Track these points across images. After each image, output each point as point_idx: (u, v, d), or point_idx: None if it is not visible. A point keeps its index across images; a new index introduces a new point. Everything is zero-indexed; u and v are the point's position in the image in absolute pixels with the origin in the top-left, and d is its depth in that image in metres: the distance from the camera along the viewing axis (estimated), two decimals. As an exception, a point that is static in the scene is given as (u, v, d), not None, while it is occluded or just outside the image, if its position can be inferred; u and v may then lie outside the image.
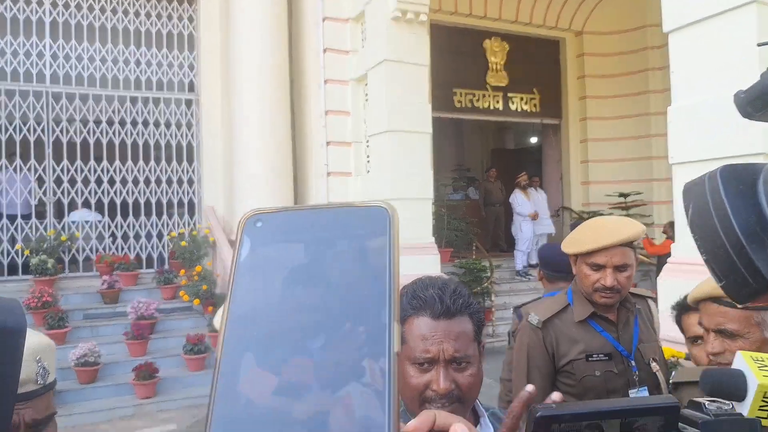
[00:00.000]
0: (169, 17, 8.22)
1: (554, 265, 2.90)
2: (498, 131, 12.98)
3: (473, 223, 9.29)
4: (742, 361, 0.82)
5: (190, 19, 8.34)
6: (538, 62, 10.22)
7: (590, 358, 1.98)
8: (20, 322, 0.57)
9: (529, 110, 10.28)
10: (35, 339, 0.98)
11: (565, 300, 2.12)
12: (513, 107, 10.14)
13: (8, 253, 7.15)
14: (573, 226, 2.81)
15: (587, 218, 9.36)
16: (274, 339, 0.29)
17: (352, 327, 0.28)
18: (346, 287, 0.30)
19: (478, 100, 9.85)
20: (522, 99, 10.20)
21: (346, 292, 0.29)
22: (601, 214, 9.53)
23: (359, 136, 7.73)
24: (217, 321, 1.65)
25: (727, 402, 0.68)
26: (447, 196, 9.69)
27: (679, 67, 3.72)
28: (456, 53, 9.53)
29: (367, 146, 7.51)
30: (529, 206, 9.55)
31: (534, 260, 9.01)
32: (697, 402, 0.66)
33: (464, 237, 8.80)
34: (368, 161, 7.51)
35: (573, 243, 2.06)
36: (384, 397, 0.27)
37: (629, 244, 1.95)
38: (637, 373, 1.97)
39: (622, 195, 9.43)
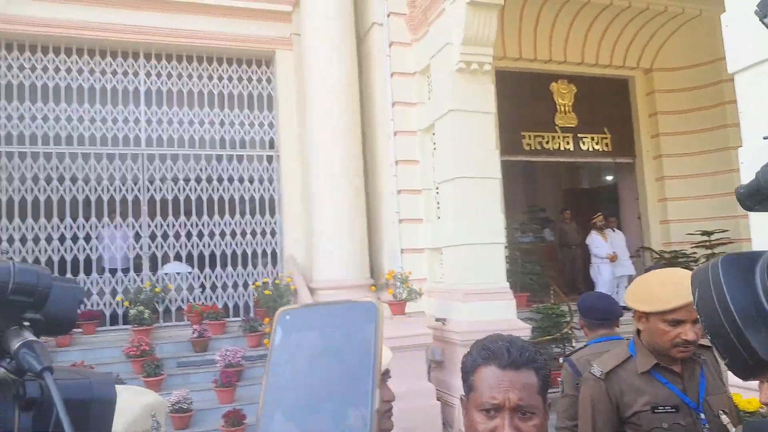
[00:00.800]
0: (249, 79, 8.83)
1: (594, 313, 3.03)
2: (571, 171, 12.86)
3: (549, 266, 9.18)
4: None
5: (268, 81, 8.92)
6: (607, 102, 10.17)
7: (656, 410, 1.97)
8: (112, 393, 0.70)
9: (600, 150, 10.18)
10: (151, 397, 1.19)
11: (626, 352, 2.12)
12: (584, 147, 10.08)
13: (110, 304, 7.74)
14: (650, 269, 2.81)
15: (668, 257, 9.07)
16: (297, 401, 0.41)
17: (349, 390, 0.40)
18: (347, 362, 0.41)
19: (547, 142, 9.87)
20: (593, 139, 10.13)
21: (346, 366, 0.41)
22: (684, 254, 9.22)
23: (428, 184, 7.93)
24: None
25: None
26: (518, 239, 9.64)
27: (746, 107, 3.71)
28: (523, 97, 9.66)
29: (437, 193, 7.69)
30: (607, 247, 9.36)
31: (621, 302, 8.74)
32: None
33: (540, 281, 8.69)
34: (438, 207, 7.67)
35: (649, 300, 2.02)
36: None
37: None
38: (706, 426, 1.93)
39: (705, 233, 9.07)
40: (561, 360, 3.18)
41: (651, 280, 2.09)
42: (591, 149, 10.12)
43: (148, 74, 8.41)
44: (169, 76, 8.47)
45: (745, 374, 0.53)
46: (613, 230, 9.75)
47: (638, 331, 2.11)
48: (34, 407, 0.61)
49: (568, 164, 11.03)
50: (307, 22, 8.07)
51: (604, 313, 3.01)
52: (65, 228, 7.76)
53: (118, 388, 1.31)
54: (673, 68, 10.05)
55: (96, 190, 7.92)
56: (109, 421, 0.67)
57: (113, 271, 7.94)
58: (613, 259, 9.19)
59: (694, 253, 9.24)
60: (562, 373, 2.94)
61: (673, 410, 1.95)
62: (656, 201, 10.23)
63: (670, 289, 1.99)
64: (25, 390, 0.61)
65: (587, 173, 13.13)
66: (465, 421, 1.33)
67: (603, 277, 9.10)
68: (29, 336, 0.60)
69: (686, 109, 9.97)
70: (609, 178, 12.30)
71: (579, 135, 10.04)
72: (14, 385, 0.61)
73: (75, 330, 7.06)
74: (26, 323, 0.61)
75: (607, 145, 10.20)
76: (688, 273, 2.09)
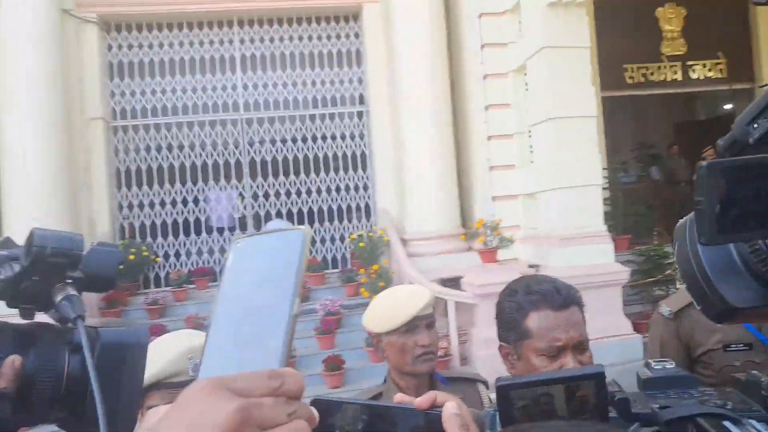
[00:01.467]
0: (338, 36, 8.91)
1: None
2: (683, 103, 11.86)
3: (655, 205, 8.66)
4: None
5: (356, 36, 8.95)
6: (722, 23, 9.17)
7: (728, 349, 1.89)
8: (145, 339, 0.80)
9: (714, 77, 9.29)
10: (195, 341, 1.31)
11: None
12: (694, 76, 9.24)
13: (219, 261, 8.35)
14: None
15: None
16: (238, 309, 0.46)
17: (275, 300, 0.45)
18: (276, 279, 0.46)
19: (652, 74, 9.16)
20: (705, 66, 9.25)
21: (275, 281, 0.46)
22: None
23: (521, 128, 7.68)
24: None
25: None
26: (619, 179, 9.13)
27: None
28: (625, 28, 8.96)
29: (530, 137, 7.45)
30: (719, 183, 8.63)
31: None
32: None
33: (645, 222, 8.24)
34: (531, 152, 7.44)
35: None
36: (279, 342, 0.43)
37: None
38: None
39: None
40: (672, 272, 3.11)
41: None
42: (702, 77, 9.26)
43: (241, 40, 8.74)
44: (262, 40, 8.75)
45: (717, 318, 0.57)
46: (729, 164, 8.95)
47: None
48: (81, 351, 0.71)
49: (677, 95, 10.18)
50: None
51: None
52: (176, 193, 8.39)
53: (174, 333, 1.45)
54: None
55: (201, 155, 8.46)
56: (143, 363, 0.78)
57: (221, 230, 8.53)
58: (727, 195, 8.47)
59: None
60: (653, 318, 2.89)
61: (746, 348, 1.87)
62: (781, 129, 9.21)
63: None
64: (74, 336, 0.72)
65: (701, 104, 12.07)
66: (514, 369, 1.33)
67: (717, 216, 8.43)
68: (70, 291, 0.72)
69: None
70: (726, 106, 11.23)
71: (689, 63, 9.21)
72: (66, 331, 0.73)
73: (189, 285, 7.74)
74: (69, 281, 0.73)
75: (721, 71, 9.28)
76: None
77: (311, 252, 8.40)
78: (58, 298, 0.71)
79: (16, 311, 0.74)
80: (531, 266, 6.64)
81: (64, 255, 0.71)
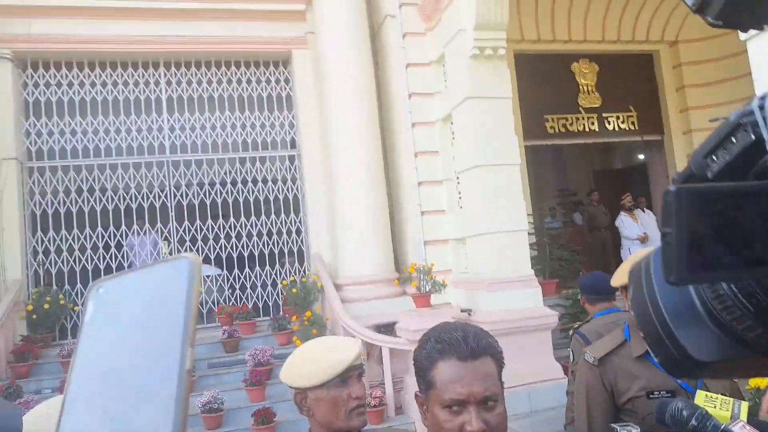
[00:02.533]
0: (267, 81, 8.91)
1: (593, 289, 3.35)
2: (599, 152, 12.57)
3: (579, 250, 9.02)
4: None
5: (287, 81, 8.98)
6: (631, 78, 9.89)
7: (651, 395, 1.92)
8: (18, 424, 0.70)
9: (627, 128, 9.92)
10: None
11: (621, 336, 2.08)
12: (610, 127, 9.84)
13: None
14: None
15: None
16: (101, 388, 0.36)
17: (157, 356, 0.36)
18: (156, 327, 0.37)
19: (571, 124, 9.67)
20: (618, 118, 9.88)
21: (156, 331, 0.37)
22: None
23: (449, 174, 7.87)
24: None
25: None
26: (546, 224, 9.47)
27: (760, 75, 3.57)
28: (544, 80, 9.47)
29: (458, 183, 7.63)
30: (637, 228, 9.13)
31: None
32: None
33: (570, 266, 8.54)
34: (460, 197, 7.61)
35: (620, 274, 2.09)
36: (170, 403, 0.34)
37: None
38: None
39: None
40: (570, 333, 3.33)
41: (626, 260, 2.11)
42: (617, 128, 9.87)
43: (168, 82, 8.57)
44: (189, 82, 8.61)
45: (677, 372, 0.51)
46: (643, 210, 9.50)
47: None
48: None
49: (595, 145, 10.78)
50: (320, 20, 8.10)
51: (601, 288, 3.27)
52: (97, 237, 7.98)
53: (47, 404, 1.28)
54: (700, 38, 9.70)
55: (124, 198, 8.13)
56: None
57: (145, 277, 8.14)
58: (643, 240, 8.96)
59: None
60: (572, 344, 3.16)
61: (669, 395, 1.89)
62: (689, 178, 9.89)
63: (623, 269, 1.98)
64: None
65: (616, 153, 12.82)
66: (426, 420, 1.28)
67: (635, 259, 8.86)
68: None
69: (715, 81, 9.62)
70: (638, 156, 11.98)
71: (604, 114, 9.80)
72: None
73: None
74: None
75: (633, 123, 9.94)
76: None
77: (241, 298, 8.22)
78: None
79: None
80: (463, 310, 6.71)
81: None
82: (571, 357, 3.12)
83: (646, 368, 1.96)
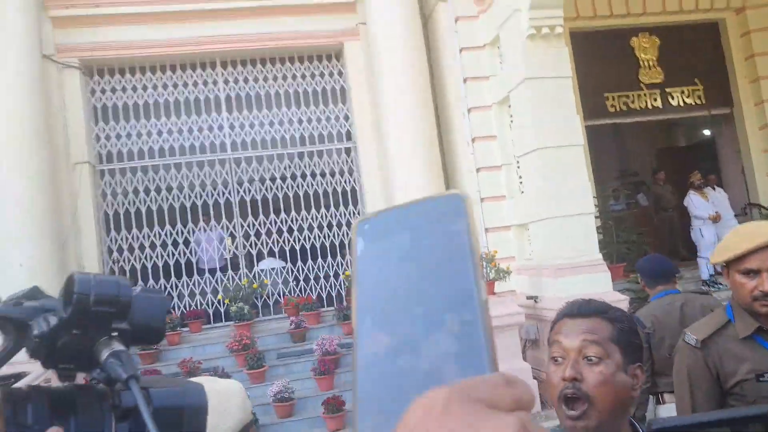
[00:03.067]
0: (321, 75, 8.98)
1: (650, 272, 3.41)
2: (663, 129, 12.11)
3: (646, 232, 8.73)
4: None
5: (340, 73, 9.03)
6: (695, 50, 9.46)
7: (761, 379, 1.82)
8: (204, 400, 0.70)
9: (692, 103, 9.51)
10: (213, 385, 1.25)
11: (724, 316, 1.97)
12: (674, 102, 9.46)
13: (212, 303, 8.20)
14: None
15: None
16: (391, 311, 0.36)
17: (447, 291, 0.35)
18: (438, 261, 0.36)
19: (633, 102, 9.36)
20: (683, 92, 9.48)
21: (438, 266, 0.35)
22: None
23: (508, 158, 7.76)
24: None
25: None
26: (609, 207, 9.20)
27: None
28: (602, 57, 9.20)
29: (518, 167, 7.51)
30: (707, 207, 8.74)
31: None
32: None
33: (637, 249, 8.27)
34: (521, 182, 7.49)
35: (719, 251, 1.94)
36: (479, 336, 0.33)
37: None
38: None
39: (820, 180, 8.29)
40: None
41: (731, 232, 1.98)
42: (681, 103, 9.48)
43: (225, 81, 8.76)
44: (246, 80, 8.78)
45: None
46: (714, 188, 9.09)
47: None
48: (130, 417, 0.63)
49: (658, 122, 10.40)
50: (371, 10, 8.09)
51: (659, 271, 3.37)
52: (166, 235, 8.27)
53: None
54: (769, 3, 9.18)
55: (190, 196, 8.38)
56: (203, 427, 0.68)
57: (213, 272, 8.41)
58: (715, 219, 8.56)
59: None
60: None
61: None
62: (761, 152, 9.41)
63: (739, 238, 1.87)
64: (121, 400, 0.63)
65: (681, 130, 12.33)
66: None
67: (706, 240, 8.50)
68: (117, 346, 0.62)
69: (788, 47, 9.11)
70: (705, 132, 11.49)
71: (667, 89, 9.43)
72: (111, 394, 0.64)
73: (182, 329, 7.57)
74: (114, 333, 0.63)
75: (699, 97, 9.52)
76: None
77: (312, 289, 8.36)
78: (104, 355, 0.61)
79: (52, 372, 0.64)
80: (529, 297, 6.63)
81: (110, 303, 0.62)
82: None
83: (753, 350, 1.86)
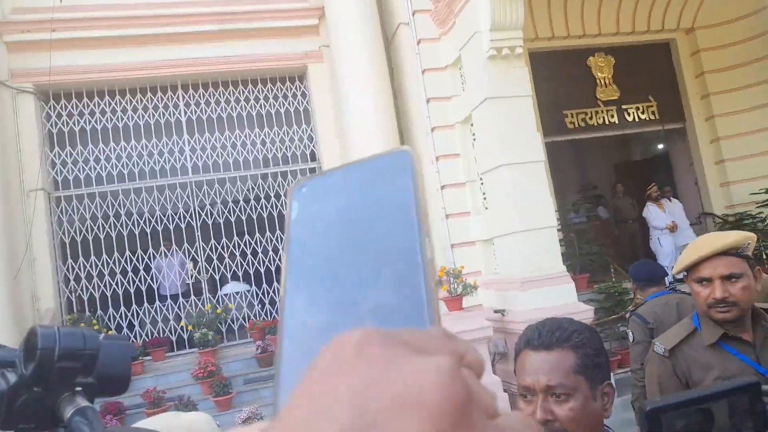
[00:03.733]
0: (285, 96, 8.96)
1: (640, 274, 3.64)
2: (620, 144, 12.44)
3: (607, 244, 8.90)
4: None
5: (303, 95, 9.03)
6: (649, 69, 9.79)
7: None
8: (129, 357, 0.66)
9: (647, 119, 9.81)
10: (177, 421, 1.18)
11: (691, 324, 2.00)
12: (629, 118, 9.74)
13: (174, 330, 7.98)
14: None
15: (732, 221, 8.69)
16: (324, 274, 0.33)
17: (388, 249, 0.32)
18: (380, 220, 0.33)
19: (590, 118, 9.59)
20: (638, 108, 9.78)
21: (380, 224, 0.33)
22: (750, 216, 8.78)
23: (472, 176, 7.84)
24: None
25: None
26: (571, 220, 9.39)
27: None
28: (561, 76, 9.42)
29: (482, 184, 7.59)
30: (665, 218, 9.01)
31: (681, 275, 8.45)
32: None
33: (599, 260, 8.44)
34: (485, 198, 7.56)
35: (678, 262, 2.01)
36: (419, 292, 0.30)
37: (736, 253, 1.86)
38: None
39: (770, 190, 8.62)
40: (627, 316, 3.63)
41: (689, 244, 2.04)
42: (637, 119, 9.77)
43: (187, 105, 8.66)
44: (207, 103, 8.69)
45: None
46: (670, 199, 9.37)
47: None
48: None
49: (615, 138, 10.69)
50: (334, 33, 8.14)
51: (651, 274, 3.60)
52: (126, 261, 8.06)
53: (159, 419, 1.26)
54: (717, 24, 9.59)
55: (150, 221, 8.20)
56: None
57: (175, 298, 8.20)
58: (672, 228, 8.84)
59: (761, 212, 8.77)
60: (630, 325, 3.44)
61: None
62: (713, 164, 9.76)
63: (691, 248, 1.94)
64: None
65: (637, 144, 12.68)
66: None
67: (664, 249, 8.76)
68: (82, 402, 0.59)
69: (735, 65, 9.50)
70: (660, 146, 11.85)
71: (623, 106, 9.71)
72: None
73: (145, 357, 7.33)
74: (78, 388, 0.60)
75: (653, 113, 9.83)
76: (720, 233, 2.01)
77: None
78: (68, 412, 0.57)
79: None
80: (497, 311, 6.65)
81: (76, 357, 0.57)
82: (631, 337, 3.38)
83: (720, 357, 1.89)
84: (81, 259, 7.94)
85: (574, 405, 1.15)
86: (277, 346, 0.32)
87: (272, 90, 8.94)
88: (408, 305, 0.30)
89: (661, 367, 1.99)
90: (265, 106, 8.85)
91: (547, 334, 1.21)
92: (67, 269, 7.92)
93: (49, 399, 0.57)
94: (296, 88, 9.06)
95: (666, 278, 3.77)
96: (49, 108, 8.24)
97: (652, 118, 9.84)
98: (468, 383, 0.24)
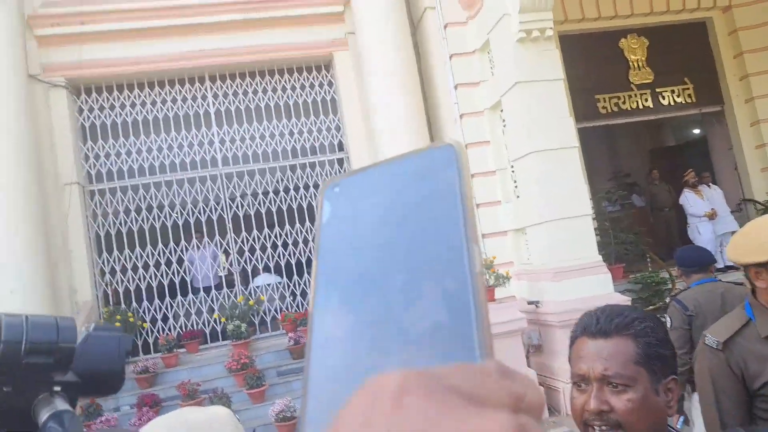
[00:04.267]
0: (311, 86, 8.91)
1: (688, 261, 3.53)
2: (655, 129, 12.14)
3: (643, 232, 8.70)
4: None
5: (330, 84, 8.97)
6: (684, 50, 9.49)
7: None
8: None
9: (683, 102, 9.53)
10: (194, 416, 1.12)
11: (744, 315, 1.90)
12: (664, 102, 9.47)
13: (208, 322, 8.06)
14: None
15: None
16: (358, 283, 0.29)
17: (430, 258, 0.28)
18: (421, 224, 0.29)
19: (623, 102, 9.35)
20: (673, 92, 9.50)
21: (421, 229, 0.29)
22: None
23: (503, 163, 7.71)
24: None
25: None
26: (605, 208, 9.19)
27: None
28: (592, 59, 9.20)
29: (512, 171, 7.46)
30: (703, 205, 8.74)
31: (721, 264, 8.23)
32: None
33: (635, 249, 8.24)
34: (516, 186, 7.43)
35: (754, 251, 1.81)
36: (468, 312, 0.26)
37: None
38: None
39: (813, 174, 8.32)
40: (667, 300, 3.46)
41: (755, 229, 1.86)
42: (672, 103, 9.49)
43: (215, 96, 8.67)
44: (235, 94, 8.69)
45: None
46: (709, 186, 9.10)
47: (753, 291, 1.90)
48: None
49: (650, 123, 10.42)
50: (359, 19, 8.05)
51: (697, 260, 3.50)
52: (159, 254, 8.14)
53: (167, 418, 1.20)
54: (755, 1, 9.22)
55: (182, 214, 8.26)
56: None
57: (207, 290, 8.27)
58: (711, 216, 8.57)
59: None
60: (669, 310, 3.38)
61: None
62: (754, 148, 9.44)
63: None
64: None
65: (673, 129, 12.36)
66: None
67: (703, 237, 8.49)
68: (60, 405, 0.52)
69: (776, 44, 9.15)
70: (697, 131, 11.52)
71: (658, 89, 9.44)
72: None
73: (179, 350, 7.42)
74: (57, 388, 0.53)
75: (689, 96, 9.54)
76: None
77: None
78: (43, 417, 0.51)
79: None
80: (530, 302, 6.55)
81: (49, 351, 0.51)
82: (669, 323, 3.28)
83: None
84: (116, 252, 8.05)
85: (632, 396, 1.09)
86: (305, 373, 0.28)
87: (299, 79, 8.90)
88: (455, 330, 0.26)
89: (713, 361, 1.89)
90: (292, 96, 8.81)
91: (606, 321, 1.15)
92: (103, 262, 8.04)
93: (22, 400, 0.51)
94: (323, 78, 9.01)
95: (714, 265, 3.63)
96: (81, 102, 8.33)
97: (689, 101, 9.56)
98: None
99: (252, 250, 8.35)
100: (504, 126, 7.60)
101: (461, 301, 0.26)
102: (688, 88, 9.54)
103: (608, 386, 1.10)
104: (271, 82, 8.81)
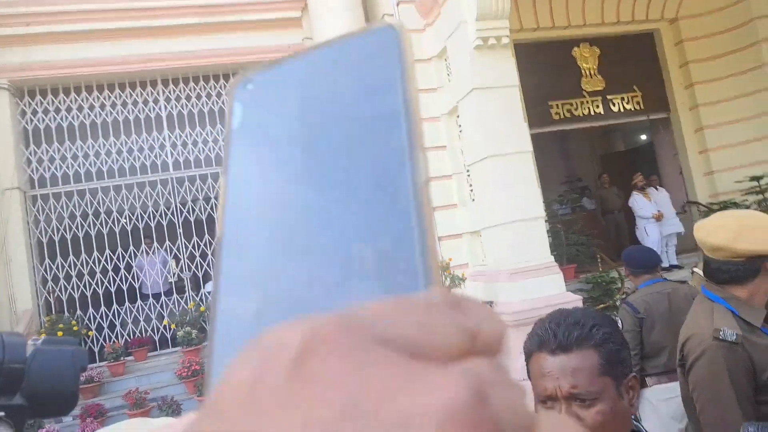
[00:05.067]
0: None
1: (635, 261, 3.54)
2: (604, 135, 12.46)
3: (593, 234, 8.89)
4: None
5: (285, 89, 8.88)
6: (633, 59, 9.78)
7: None
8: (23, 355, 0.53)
9: (632, 109, 9.81)
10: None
11: (726, 309, 1.81)
12: (615, 109, 9.73)
13: (157, 329, 7.81)
14: None
15: (717, 210, 8.72)
16: (276, 201, 0.23)
17: (365, 167, 0.22)
18: (355, 128, 0.23)
19: (576, 109, 9.56)
20: (623, 99, 9.77)
21: (356, 134, 0.23)
22: (735, 204, 8.80)
23: (459, 167, 7.77)
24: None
25: None
26: (556, 211, 9.37)
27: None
28: (546, 67, 9.37)
29: (468, 176, 7.51)
30: (651, 207, 9.01)
31: (666, 263, 8.49)
32: None
33: (586, 250, 8.42)
34: (471, 190, 7.49)
35: (759, 241, 1.75)
36: (410, 231, 0.20)
37: None
38: None
39: (754, 179, 8.66)
40: (617, 301, 3.47)
41: (752, 220, 1.80)
42: (622, 110, 9.76)
43: (167, 99, 8.47)
44: (188, 98, 8.51)
45: None
46: (656, 189, 9.38)
47: (721, 283, 1.84)
48: None
49: (600, 128, 10.69)
50: (316, 25, 8.02)
51: (646, 262, 3.51)
52: (106, 260, 7.86)
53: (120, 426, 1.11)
54: (700, 14, 9.60)
55: (131, 219, 8.00)
56: None
57: (157, 296, 8.03)
58: (659, 218, 8.85)
59: (745, 200, 8.82)
60: (621, 313, 3.41)
61: None
62: (697, 153, 9.79)
63: None
64: None
65: (622, 135, 12.71)
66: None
67: (651, 238, 8.76)
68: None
69: (718, 54, 9.52)
70: (644, 137, 11.88)
71: (608, 97, 9.70)
72: None
73: (127, 357, 7.16)
74: (1, 413, 0.46)
75: (638, 103, 9.83)
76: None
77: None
78: None
79: None
80: (485, 303, 6.57)
81: None
82: (621, 325, 3.24)
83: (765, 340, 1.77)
84: (59, 258, 7.73)
85: (601, 408, 1.06)
86: (213, 294, 0.23)
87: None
88: (394, 253, 0.20)
89: (731, 357, 1.75)
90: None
91: (564, 334, 1.09)
92: (45, 270, 7.71)
93: None
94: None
95: (660, 266, 3.67)
96: (25, 104, 8.01)
97: (637, 108, 9.84)
98: (496, 411, 0.15)
99: (203, 256, 8.16)
100: (460, 131, 7.66)
101: (402, 219, 0.21)
102: (636, 96, 9.82)
103: (576, 401, 1.07)
104: (225, 86, 8.65)
